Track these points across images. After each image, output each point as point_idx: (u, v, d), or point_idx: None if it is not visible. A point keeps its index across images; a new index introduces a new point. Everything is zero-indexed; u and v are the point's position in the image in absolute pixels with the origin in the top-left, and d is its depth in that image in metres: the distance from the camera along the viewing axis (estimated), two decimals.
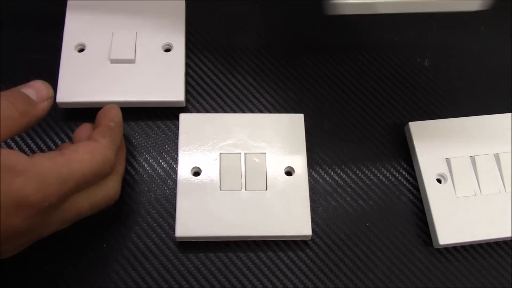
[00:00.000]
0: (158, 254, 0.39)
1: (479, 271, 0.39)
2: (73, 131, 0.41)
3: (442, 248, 0.40)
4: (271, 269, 0.39)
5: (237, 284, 0.38)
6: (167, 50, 0.43)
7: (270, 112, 0.44)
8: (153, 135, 0.42)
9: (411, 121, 0.43)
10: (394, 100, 0.45)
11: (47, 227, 0.32)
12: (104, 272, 0.38)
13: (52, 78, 0.43)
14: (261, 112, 0.44)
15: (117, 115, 0.37)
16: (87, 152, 0.33)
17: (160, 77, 0.42)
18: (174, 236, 0.38)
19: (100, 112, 0.37)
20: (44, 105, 0.33)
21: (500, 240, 0.40)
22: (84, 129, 0.37)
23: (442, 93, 0.46)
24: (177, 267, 0.38)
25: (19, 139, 0.42)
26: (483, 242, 0.40)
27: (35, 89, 0.33)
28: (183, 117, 0.41)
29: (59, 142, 0.42)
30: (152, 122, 0.43)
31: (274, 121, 0.42)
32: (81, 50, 0.43)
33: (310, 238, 0.39)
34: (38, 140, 0.41)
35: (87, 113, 0.41)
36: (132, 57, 0.42)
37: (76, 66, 0.42)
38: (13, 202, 0.29)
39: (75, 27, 0.43)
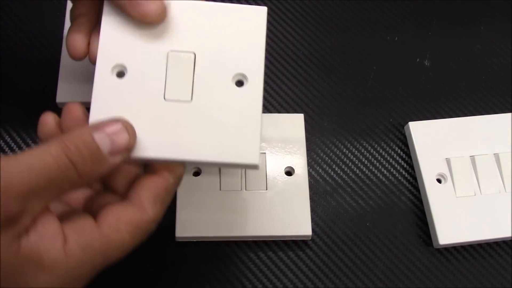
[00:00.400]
0: (158, 254, 0.39)
1: (479, 271, 0.39)
2: None
3: (442, 248, 0.40)
4: (271, 269, 0.39)
5: (237, 284, 0.38)
6: None
7: (270, 112, 0.44)
8: None
9: (411, 121, 0.43)
10: (394, 100, 0.45)
11: None
12: (104, 272, 0.38)
13: (52, 78, 0.43)
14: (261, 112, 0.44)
15: (181, 167, 0.29)
16: (129, 232, 0.26)
17: None
18: (174, 236, 0.38)
19: None
20: (116, 160, 0.25)
21: (500, 240, 0.40)
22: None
23: (442, 93, 0.46)
24: (177, 267, 0.38)
25: (17, 137, 0.42)
26: (483, 242, 0.40)
27: (111, 136, 0.25)
28: None
29: None
30: None
31: (274, 121, 0.42)
32: None
33: (310, 238, 0.39)
34: (36, 139, 0.42)
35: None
36: None
37: (76, 66, 0.42)
38: None
39: None
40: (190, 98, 0.29)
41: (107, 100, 0.29)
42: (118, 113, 0.28)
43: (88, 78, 0.41)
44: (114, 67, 0.29)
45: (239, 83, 0.30)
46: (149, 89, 0.29)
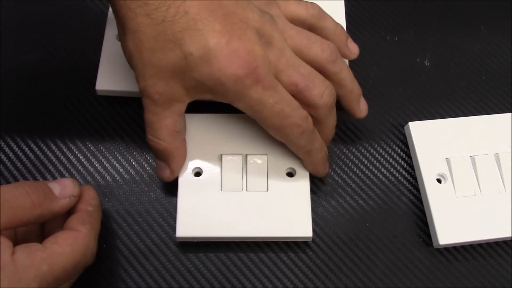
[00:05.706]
0: (158, 254, 0.39)
1: (479, 271, 0.39)
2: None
3: (442, 248, 0.40)
4: (271, 270, 0.39)
5: (238, 285, 0.38)
6: None
7: None
8: None
9: (411, 121, 0.43)
10: (394, 100, 0.45)
11: None
12: (104, 272, 0.38)
13: (52, 78, 0.43)
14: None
15: (95, 197, 0.36)
16: (68, 244, 0.32)
17: None
18: (175, 236, 0.38)
19: None
20: (65, 202, 0.33)
21: (500, 240, 0.40)
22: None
23: (442, 93, 0.46)
24: (177, 267, 0.38)
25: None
26: (483, 242, 0.40)
27: (61, 185, 0.33)
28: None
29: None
30: None
31: None
32: None
33: (311, 240, 0.39)
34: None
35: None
36: None
37: (116, 55, 0.42)
38: None
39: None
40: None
41: None
42: None
43: (127, 66, 0.42)
44: None
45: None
46: None
